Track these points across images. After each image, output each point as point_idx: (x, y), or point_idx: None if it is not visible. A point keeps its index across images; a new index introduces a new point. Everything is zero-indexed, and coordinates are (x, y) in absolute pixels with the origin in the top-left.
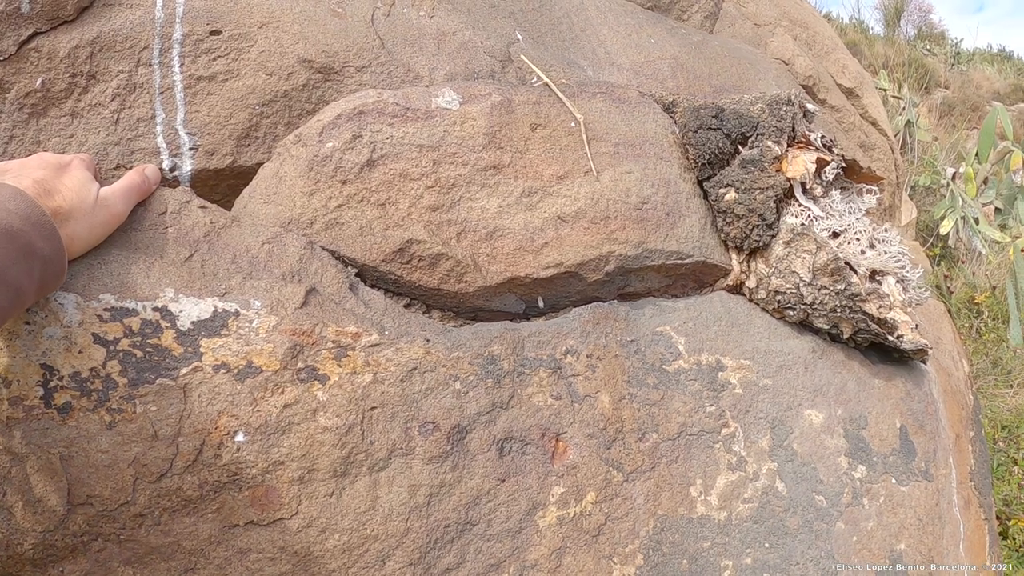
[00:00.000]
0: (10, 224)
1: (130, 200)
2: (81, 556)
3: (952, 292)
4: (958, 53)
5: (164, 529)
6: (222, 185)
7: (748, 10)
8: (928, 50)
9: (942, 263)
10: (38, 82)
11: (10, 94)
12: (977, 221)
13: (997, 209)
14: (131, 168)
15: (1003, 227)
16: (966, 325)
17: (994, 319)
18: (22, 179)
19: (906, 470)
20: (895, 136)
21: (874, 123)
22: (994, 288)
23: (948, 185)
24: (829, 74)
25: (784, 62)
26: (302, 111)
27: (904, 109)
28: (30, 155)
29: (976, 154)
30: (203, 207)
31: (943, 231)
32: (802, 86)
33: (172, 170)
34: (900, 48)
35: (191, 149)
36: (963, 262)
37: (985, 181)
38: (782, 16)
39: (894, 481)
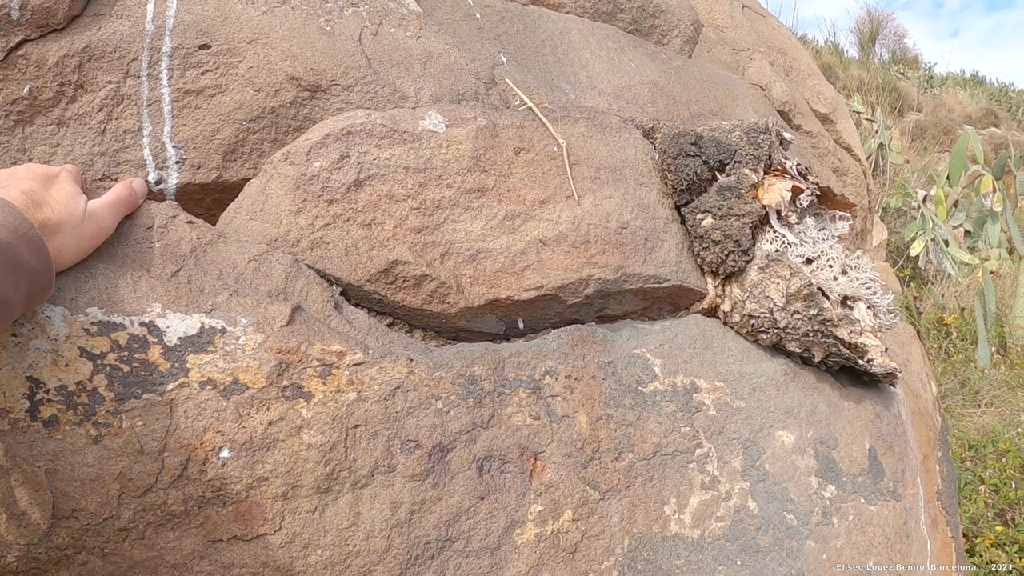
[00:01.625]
0: None
1: (118, 213)
2: (64, 569)
3: (921, 313)
4: (931, 77)
5: (148, 543)
6: (207, 199)
7: (727, 35)
8: (902, 74)
9: (912, 284)
10: (25, 89)
11: None
12: (947, 243)
13: (967, 231)
14: (117, 180)
15: (972, 249)
16: (935, 346)
17: (962, 340)
18: (10, 190)
19: (875, 490)
20: (868, 158)
21: (848, 148)
22: (963, 309)
23: (919, 207)
24: (805, 100)
25: (761, 87)
26: (289, 128)
27: (877, 132)
28: (16, 164)
29: (947, 177)
30: (190, 222)
31: (913, 252)
32: (778, 111)
33: (158, 183)
34: (874, 71)
35: (177, 163)
36: (933, 283)
37: (955, 204)
38: (760, 42)
39: (863, 500)
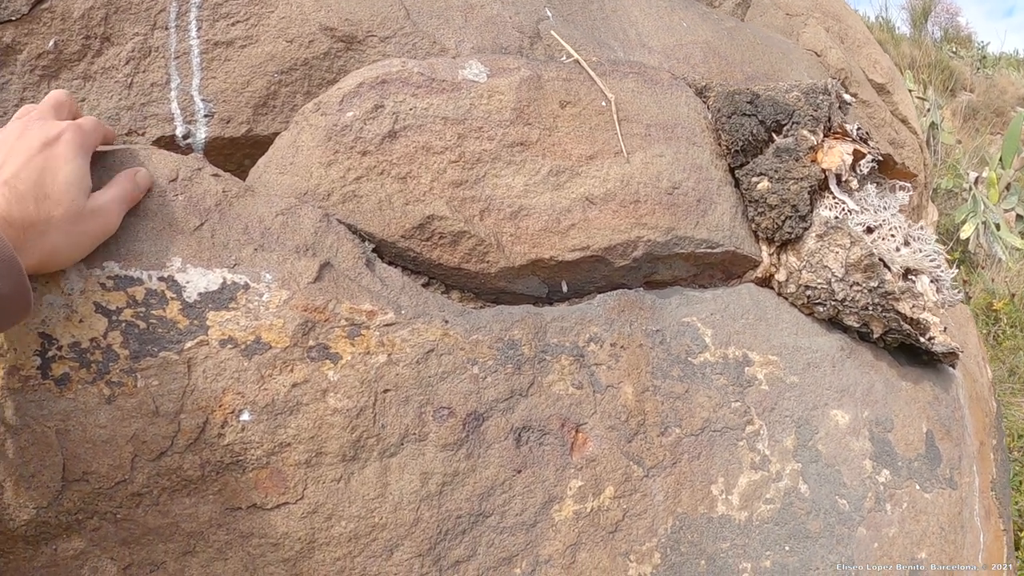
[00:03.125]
0: None
1: (123, 210)
2: (75, 534)
3: (971, 298)
4: (984, 57)
5: (163, 510)
6: (237, 154)
7: None
8: (954, 52)
9: (961, 268)
10: (50, 43)
11: (21, 55)
12: (998, 227)
13: (1019, 216)
14: (144, 134)
15: None
16: (983, 332)
17: (1012, 327)
18: None
19: (931, 476)
20: (926, 149)
21: (904, 120)
22: (1013, 295)
23: (970, 189)
24: (860, 68)
25: (816, 53)
26: (322, 80)
27: (929, 111)
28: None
29: (1000, 159)
30: (215, 175)
31: (963, 235)
32: (833, 79)
33: (185, 137)
34: (926, 49)
35: (206, 116)
36: (982, 268)
37: (1008, 187)
38: (814, 7)
39: (918, 487)
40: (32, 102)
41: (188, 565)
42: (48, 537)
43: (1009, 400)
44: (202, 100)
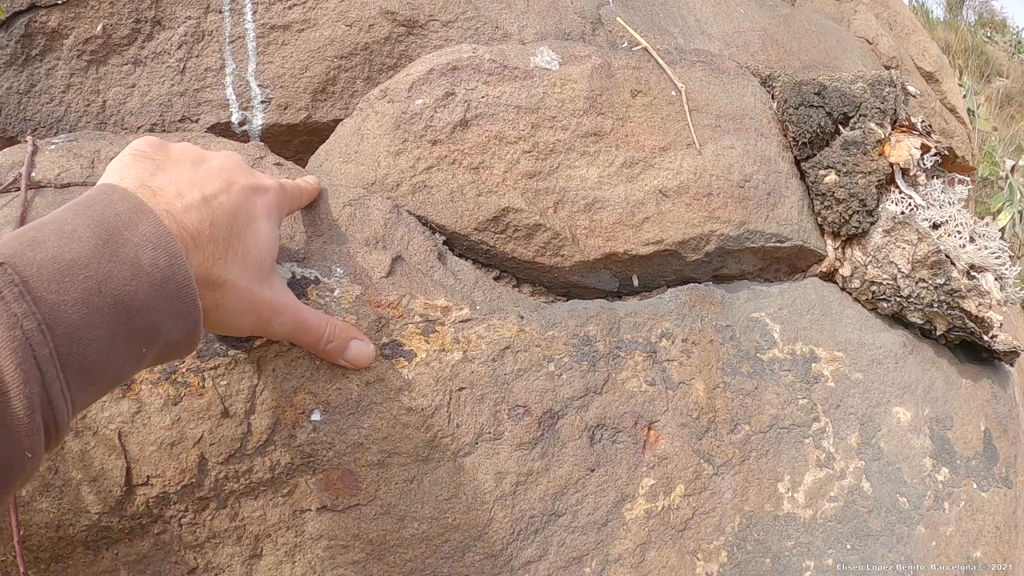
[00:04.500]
0: (133, 296)
1: (293, 325)
2: (139, 539)
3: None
4: (1020, 42)
5: (230, 513)
6: (295, 142)
7: None
8: (989, 37)
9: None
10: (99, 28)
11: (68, 40)
12: None
13: None
14: (198, 121)
15: None
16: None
17: None
18: (187, 213)
19: (988, 475)
20: (975, 140)
21: (952, 110)
22: None
23: (1007, 177)
24: (909, 56)
25: (867, 41)
26: (383, 66)
27: (965, 96)
28: (144, 136)
29: None
30: (278, 164)
31: (1000, 224)
32: (884, 67)
33: (241, 124)
34: (961, 34)
35: (263, 102)
36: (1019, 257)
37: None
38: None
39: (975, 486)
40: (79, 88)
41: (255, 569)
42: (110, 542)
43: None
44: (258, 86)
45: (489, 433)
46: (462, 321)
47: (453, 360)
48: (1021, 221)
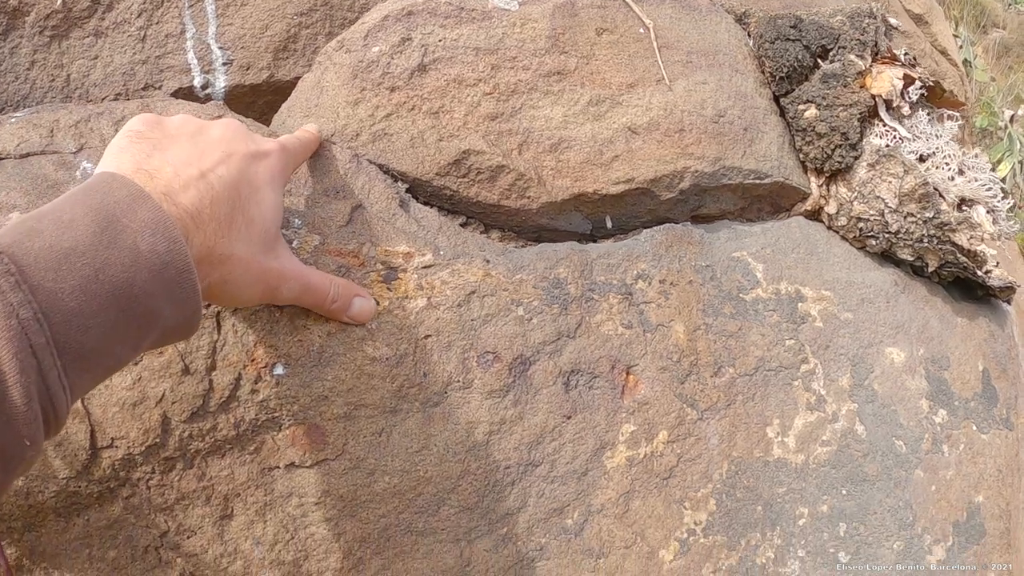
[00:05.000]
0: (131, 282)
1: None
2: (108, 503)
3: (1009, 239)
4: None
5: (198, 473)
6: (259, 102)
7: None
8: None
9: None
10: (59, 2)
11: (30, 17)
12: None
13: None
14: (161, 88)
15: None
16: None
17: None
18: (183, 192)
19: (987, 417)
20: (969, 82)
21: (944, 52)
22: None
23: (1006, 128)
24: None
25: None
26: (344, 20)
27: (961, 47)
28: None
29: None
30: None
31: (999, 175)
32: (875, 3)
33: (204, 87)
34: None
35: (224, 64)
36: (1020, 207)
37: None
38: None
39: (975, 428)
40: (43, 64)
41: (226, 530)
42: (79, 507)
43: None
44: (219, 48)
45: (458, 382)
46: (425, 267)
47: (417, 307)
48: (1021, 171)
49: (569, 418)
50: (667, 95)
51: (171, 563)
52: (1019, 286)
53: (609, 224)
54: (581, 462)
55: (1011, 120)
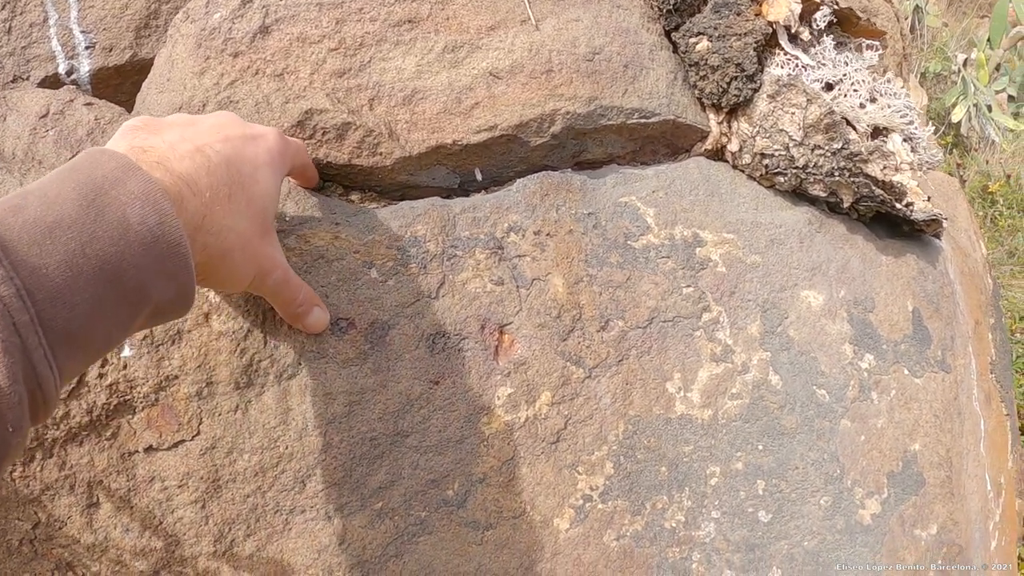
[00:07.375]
0: (120, 256)
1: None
2: None
3: (965, 181)
4: None
5: (58, 462)
6: (126, 84)
7: None
8: None
9: (954, 151)
10: None
11: None
12: (990, 109)
13: (1010, 97)
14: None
15: (1017, 115)
16: (980, 214)
17: (1009, 208)
18: (177, 152)
19: (920, 359)
20: (905, 20)
21: None
22: (1009, 177)
23: (959, 72)
24: None
25: None
26: None
27: None
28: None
29: (988, 40)
30: (88, 104)
31: (955, 119)
32: None
33: (69, 73)
34: None
35: (87, 48)
36: (976, 151)
37: (997, 68)
38: None
39: (907, 372)
40: None
41: (95, 518)
42: None
43: (1009, 283)
44: (81, 32)
45: (312, 352)
46: None
47: None
48: (977, 114)
49: (437, 383)
50: (533, 35)
51: (47, 555)
52: (946, 219)
53: (479, 177)
54: (455, 429)
55: (964, 64)
